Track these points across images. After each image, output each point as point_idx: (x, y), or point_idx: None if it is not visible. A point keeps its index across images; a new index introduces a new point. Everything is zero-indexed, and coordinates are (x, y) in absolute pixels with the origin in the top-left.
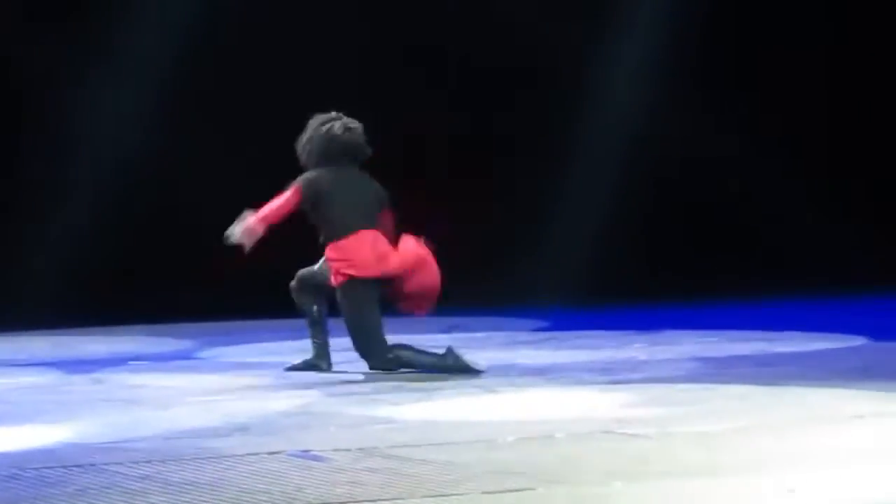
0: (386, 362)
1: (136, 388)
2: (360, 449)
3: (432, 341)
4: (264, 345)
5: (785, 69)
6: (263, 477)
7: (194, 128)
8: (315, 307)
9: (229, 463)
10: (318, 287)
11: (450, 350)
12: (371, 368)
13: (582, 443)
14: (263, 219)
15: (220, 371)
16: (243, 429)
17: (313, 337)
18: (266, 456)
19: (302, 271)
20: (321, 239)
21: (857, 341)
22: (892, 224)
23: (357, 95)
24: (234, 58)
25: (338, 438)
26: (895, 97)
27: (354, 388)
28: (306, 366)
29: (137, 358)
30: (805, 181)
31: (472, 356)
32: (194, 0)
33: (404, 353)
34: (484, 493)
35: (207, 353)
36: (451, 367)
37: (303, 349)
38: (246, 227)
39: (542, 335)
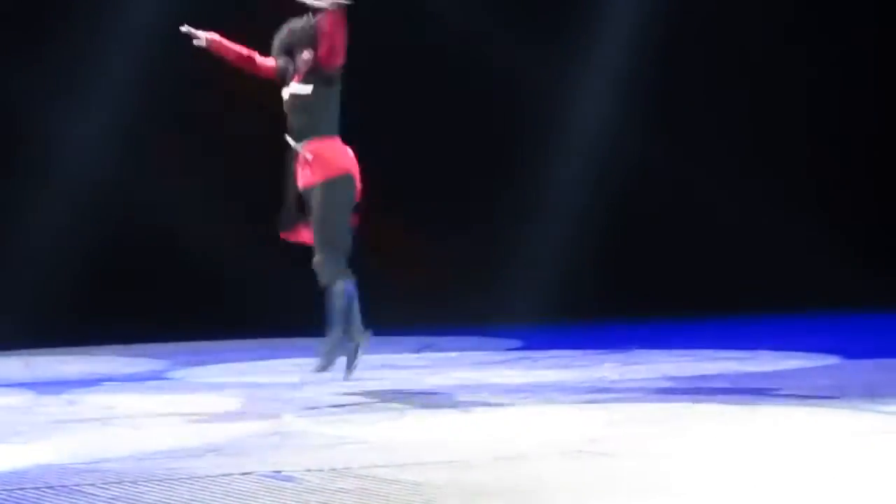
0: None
1: (109, 408)
2: (332, 469)
3: (403, 361)
4: (236, 365)
5: (751, 86)
6: (236, 498)
7: (168, 150)
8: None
9: (202, 484)
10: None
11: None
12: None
13: (555, 462)
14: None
15: (193, 391)
16: (216, 449)
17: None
18: (238, 476)
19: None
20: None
21: (830, 360)
22: (863, 244)
23: None
24: (205, 78)
25: (310, 459)
26: (870, 119)
27: (326, 408)
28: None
29: (110, 379)
30: (776, 201)
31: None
32: (164, 20)
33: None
34: None
35: (179, 373)
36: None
37: (273, 369)
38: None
39: (514, 354)
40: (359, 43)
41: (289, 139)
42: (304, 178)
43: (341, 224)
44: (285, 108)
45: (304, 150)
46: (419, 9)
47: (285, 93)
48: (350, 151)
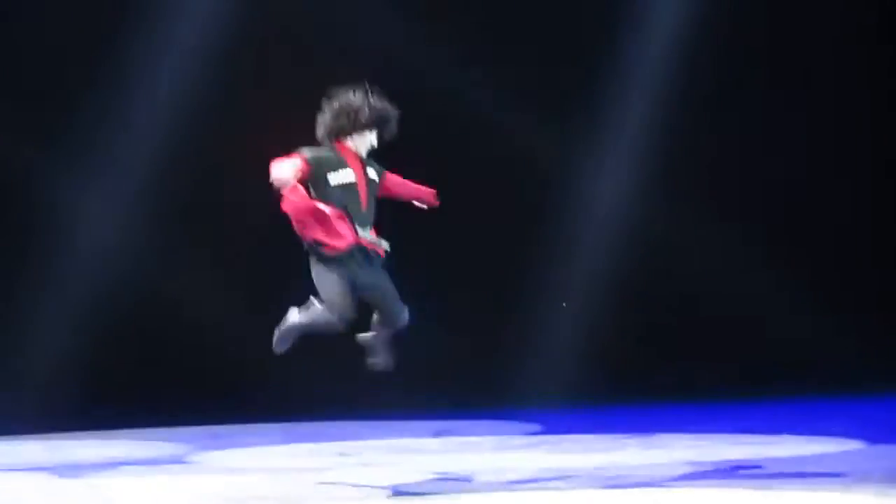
0: None
1: (129, 492)
2: None
3: (420, 445)
4: (255, 449)
5: (771, 166)
6: None
7: (188, 233)
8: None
9: None
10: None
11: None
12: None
13: None
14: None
15: (212, 475)
16: None
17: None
18: None
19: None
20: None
21: (853, 445)
22: (888, 327)
23: None
24: (228, 158)
25: None
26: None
27: (345, 492)
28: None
29: (130, 462)
30: (800, 283)
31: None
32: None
33: None
34: None
35: (199, 457)
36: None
37: (293, 453)
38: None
39: (534, 438)
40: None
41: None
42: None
43: None
44: (349, 192)
45: (372, 234)
46: (438, 83)
47: (349, 176)
48: None
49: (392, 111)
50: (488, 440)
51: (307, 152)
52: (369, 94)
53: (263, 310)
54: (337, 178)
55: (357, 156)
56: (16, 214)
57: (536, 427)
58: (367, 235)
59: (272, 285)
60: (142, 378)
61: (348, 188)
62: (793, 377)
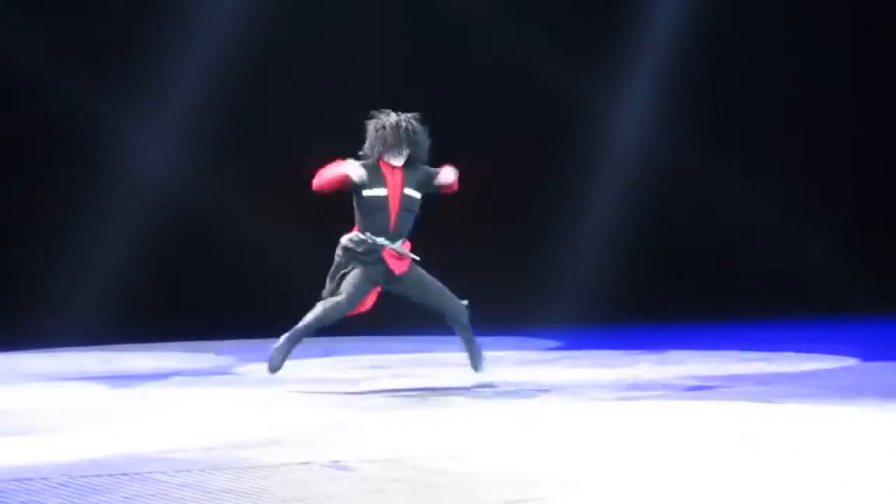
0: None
1: (178, 401)
2: (385, 459)
3: (448, 360)
4: (296, 361)
5: (785, 106)
6: (296, 486)
7: (237, 152)
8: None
9: (265, 472)
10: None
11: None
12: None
13: (592, 453)
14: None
15: (256, 386)
16: (277, 440)
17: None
18: (298, 466)
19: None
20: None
21: (849, 362)
22: (881, 253)
23: None
24: (273, 83)
25: (365, 449)
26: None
27: (380, 402)
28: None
29: (179, 373)
30: (802, 210)
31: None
32: (230, 28)
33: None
34: (505, 502)
35: (245, 368)
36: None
37: (332, 366)
38: None
39: (554, 354)
40: (411, 67)
41: (380, 239)
42: (399, 266)
43: None
44: (380, 205)
45: (402, 246)
46: (463, 30)
47: (381, 192)
48: None
49: (421, 134)
50: (512, 354)
51: (351, 170)
52: (402, 118)
53: (312, 226)
54: (370, 192)
55: (399, 173)
56: (76, 144)
57: (557, 343)
58: (395, 245)
59: (319, 202)
60: (191, 293)
61: (379, 201)
62: (792, 300)
